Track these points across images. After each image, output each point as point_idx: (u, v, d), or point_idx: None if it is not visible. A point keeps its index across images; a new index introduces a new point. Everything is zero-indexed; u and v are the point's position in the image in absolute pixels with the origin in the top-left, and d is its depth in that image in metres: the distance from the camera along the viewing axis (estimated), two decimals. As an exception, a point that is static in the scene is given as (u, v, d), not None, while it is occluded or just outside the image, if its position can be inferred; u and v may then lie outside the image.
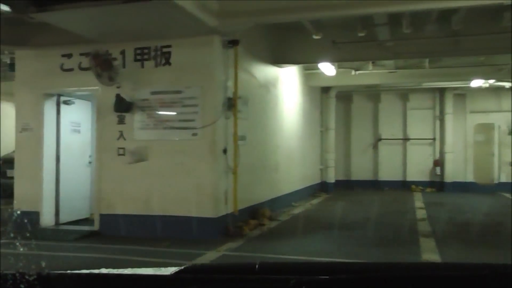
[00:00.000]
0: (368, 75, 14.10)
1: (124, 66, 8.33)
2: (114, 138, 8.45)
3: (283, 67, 11.72)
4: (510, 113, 15.48)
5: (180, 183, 8.07)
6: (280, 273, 1.15)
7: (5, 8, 7.25)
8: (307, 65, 13.36)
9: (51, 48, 8.80)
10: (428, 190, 16.60)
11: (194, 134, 8.05)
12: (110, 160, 8.49)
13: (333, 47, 10.59)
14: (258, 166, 10.02)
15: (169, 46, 8.23)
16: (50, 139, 9.08)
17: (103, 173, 8.57)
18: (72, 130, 9.59)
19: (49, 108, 9.10)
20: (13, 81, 9.67)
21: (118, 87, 8.23)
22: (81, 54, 8.58)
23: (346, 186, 17.11)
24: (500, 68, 13.00)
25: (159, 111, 8.26)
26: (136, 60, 8.40)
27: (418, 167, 17.15)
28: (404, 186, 16.95)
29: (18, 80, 9.22)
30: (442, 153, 16.99)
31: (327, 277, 1.07)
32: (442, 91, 16.85)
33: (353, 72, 13.91)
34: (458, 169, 16.77)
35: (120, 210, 8.32)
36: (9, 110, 14.60)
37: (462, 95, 16.76)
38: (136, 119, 8.36)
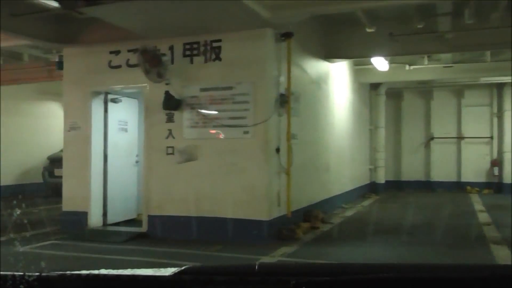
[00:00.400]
0: (422, 70, 13.36)
1: (172, 62, 8.04)
2: (163, 136, 8.18)
3: (334, 62, 11.20)
4: None
5: (231, 184, 7.72)
6: (280, 275, 1.16)
7: (54, 3, 7.10)
8: (357, 60, 12.84)
9: (98, 45, 8.64)
10: (485, 191, 15.66)
11: (246, 132, 7.68)
12: (159, 160, 8.23)
13: (389, 40, 9.99)
14: (309, 166, 9.56)
15: (219, 41, 7.89)
16: (97, 138, 8.89)
17: (151, 173, 8.31)
18: (119, 128, 9.39)
19: (96, 106, 8.92)
20: (60, 80, 9.60)
21: (167, 84, 7.94)
22: (129, 51, 8.36)
23: (396, 187, 16.44)
24: None
25: (209, 108, 7.93)
26: (185, 55, 8.10)
27: (474, 167, 16.27)
28: (458, 187, 16.11)
29: (66, 78, 9.11)
30: (500, 152, 16.10)
31: (327, 278, 1.08)
32: (500, 86, 15.91)
33: (407, 67, 13.22)
34: (517, 169, 15.78)
35: (168, 211, 8.05)
36: (56, 109, 14.73)
37: (523, 90, 15.78)
38: (185, 117, 8.06)
